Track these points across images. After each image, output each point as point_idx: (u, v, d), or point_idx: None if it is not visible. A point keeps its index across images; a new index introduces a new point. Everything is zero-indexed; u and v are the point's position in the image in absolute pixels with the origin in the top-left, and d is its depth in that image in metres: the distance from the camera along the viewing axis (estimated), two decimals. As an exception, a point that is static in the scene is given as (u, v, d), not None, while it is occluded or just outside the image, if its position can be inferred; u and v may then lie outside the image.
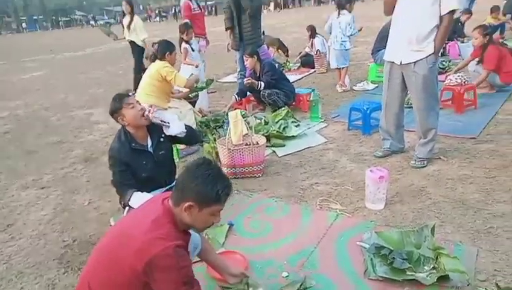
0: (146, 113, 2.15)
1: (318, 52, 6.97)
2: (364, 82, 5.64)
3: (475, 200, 2.42)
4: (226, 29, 5.09)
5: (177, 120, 2.31)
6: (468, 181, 2.67)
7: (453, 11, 2.62)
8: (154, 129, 2.26)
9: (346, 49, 5.36)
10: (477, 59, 4.55)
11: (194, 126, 3.54)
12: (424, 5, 2.61)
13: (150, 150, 2.22)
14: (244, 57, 4.56)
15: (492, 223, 2.16)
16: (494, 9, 8.30)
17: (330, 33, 5.39)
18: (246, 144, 2.97)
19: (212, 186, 1.37)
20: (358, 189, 2.66)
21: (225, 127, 3.69)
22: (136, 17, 5.93)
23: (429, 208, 2.39)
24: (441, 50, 6.80)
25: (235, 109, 4.38)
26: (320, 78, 6.50)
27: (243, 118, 3.61)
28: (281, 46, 8.53)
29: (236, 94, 4.59)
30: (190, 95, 3.98)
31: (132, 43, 6.03)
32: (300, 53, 7.83)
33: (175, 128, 2.25)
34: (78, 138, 4.62)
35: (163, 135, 2.27)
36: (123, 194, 2.10)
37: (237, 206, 2.55)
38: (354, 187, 2.73)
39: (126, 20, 5.95)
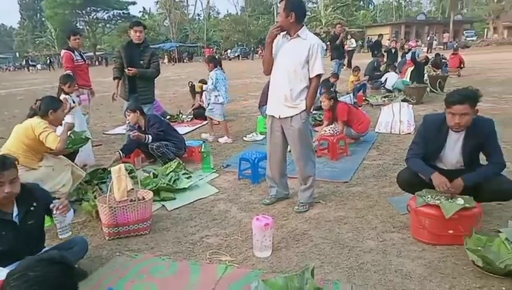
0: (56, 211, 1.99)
1: (210, 105, 7.21)
2: (253, 133, 5.97)
3: (349, 239, 2.66)
4: (114, 79, 4.95)
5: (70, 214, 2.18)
6: (343, 222, 2.94)
7: (319, 75, 3.01)
8: (24, 195, 1.98)
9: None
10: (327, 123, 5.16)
11: (70, 184, 3.24)
12: (296, 68, 2.95)
13: (16, 219, 1.93)
14: (126, 112, 4.45)
15: (363, 259, 2.40)
16: (356, 70, 9.87)
17: (214, 89, 5.52)
18: (131, 200, 2.81)
19: None
20: (247, 238, 2.71)
21: (108, 183, 3.45)
22: None
23: (311, 250, 2.54)
24: (319, 105, 7.71)
25: (123, 162, 4.18)
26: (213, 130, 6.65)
27: (130, 172, 3.46)
28: None
29: (121, 150, 4.37)
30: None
31: None
32: (193, 105, 7.99)
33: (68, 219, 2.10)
34: None
35: (34, 204, 2.00)
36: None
37: (119, 270, 2.33)
38: (243, 236, 2.77)
39: None
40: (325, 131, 4.87)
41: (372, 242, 2.61)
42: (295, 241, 2.67)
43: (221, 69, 5.62)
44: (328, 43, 11.86)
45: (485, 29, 45.70)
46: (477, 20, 50.08)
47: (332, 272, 2.28)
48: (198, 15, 64.45)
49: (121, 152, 4.31)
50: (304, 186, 3.23)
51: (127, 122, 5.09)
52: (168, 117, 7.24)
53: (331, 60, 10.29)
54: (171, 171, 3.94)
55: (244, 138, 5.81)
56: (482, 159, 2.75)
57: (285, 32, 2.99)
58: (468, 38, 41.47)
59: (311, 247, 2.58)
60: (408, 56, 10.20)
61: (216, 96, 5.48)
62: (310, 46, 2.91)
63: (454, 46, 19.70)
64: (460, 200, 2.46)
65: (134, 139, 4.34)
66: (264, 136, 5.76)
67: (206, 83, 5.70)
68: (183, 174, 4.01)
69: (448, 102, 2.59)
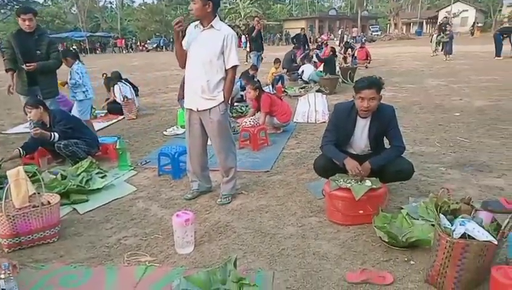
0: None
1: (126, 99, 6.82)
2: (174, 127, 5.80)
3: (270, 227, 2.73)
4: (7, 71, 4.37)
5: None
6: (264, 210, 3.00)
7: (235, 66, 2.99)
8: None
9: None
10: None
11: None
12: (211, 59, 2.89)
13: None
14: (26, 109, 3.97)
15: (284, 245, 2.47)
16: (276, 62, 10.15)
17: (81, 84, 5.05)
18: (34, 206, 2.52)
19: None
20: (169, 235, 2.61)
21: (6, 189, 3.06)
22: None
23: (234, 241, 2.55)
24: (240, 97, 7.75)
25: (24, 164, 3.75)
26: (130, 125, 6.31)
27: (33, 175, 3.10)
28: None
29: (22, 147, 3.90)
30: None
31: None
32: (107, 99, 7.47)
33: None
34: None
35: None
36: None
37: (21, 284, 2.07)
38: (164, 234, 2.67)
39: None
40: (246, 123, 4.91)
41: (292, 228, 2.70)
42: (218, 234, 2.65)
43: (81, 62, 5.23)
44: (247, 35, 12.02)
45: (388, 25, 50.41)
46: (380, 16, 55.05)
47: (255, 261, 2.31)
48: (111, 3, 60.42)
49: (21, 149, 3.85)
50: (226, 178, 3.22)
51: (29, 119, 4.57)
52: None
53: (250, 52, 10.42)
54: (82, 172, 3.63)
55: (164, 132, 5.62)
56: (387, 143, 3.01)
57: (197, 23, 2.93)
58: (374, 33, 45.37)
59: (234, 238, 2.59)
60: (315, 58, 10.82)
61: (84, 92, 5.05)
62: (224, 36, 2.87)
63: (363, 40, 21.39)
64: (368, 182, 2.66)
65: (36, 137, 3.89)
66: (185, 129, 5.61)
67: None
68: (97, 173, 3.72)
69: (357, 88, 2.79)
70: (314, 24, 47.43)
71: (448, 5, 44.75)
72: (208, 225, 2.80)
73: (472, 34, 33.88)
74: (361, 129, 2.94)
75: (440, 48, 15.90)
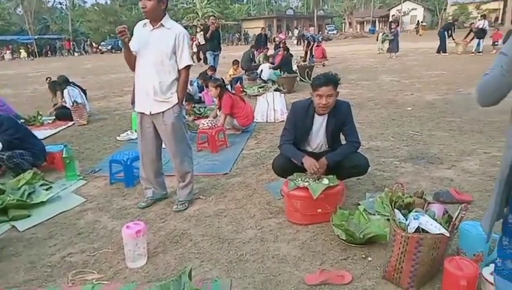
0: None
1: (76, 104, 6.44)
2: (128, 131, 5.54)
3: (228, 232, 2.63)
4: None
5: None
6: (223, 215, 2.90)
7: (188, 66, 2.87)
8: None
9: None
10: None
11: None
12: (163, 59, 2.75)
13: None
14: None
15: (242, 250, 2.38)
16: (235, 63, 10.06)
17: None
18: (-38, 227, 2.26)
19: None
20: (120, 249, 2.43)
21: None
22: None
23: (190, 250, 2.43)
24: (198, 98, 7.58)
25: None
26: (80, 131, 5.96)
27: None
28: None
29: None
30: None
31: None
32: (55, 105, 7.02)
33: None
34: None
35: None
36: None
37: None
38: (114, 248, 2.49)
39: None
40: (204, 124, 4.78)
41: (251, 231, 2.62)
42: (173, 244, 2.51)
43: None
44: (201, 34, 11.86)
45: (343, 24, 51.95)
46: (336, 15, 56.64)
47: (212, 269, 2.20)
48: (60, 3, 57.59)
49: None
50: (182, 184, 3.09)
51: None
52: (21, 121, 6.21)
53: (206, 51, 10.28)
54: (24, 184, 3.34)
55: (118, 138, 5.36)
56: (343, 140, 3.01)
57: (146, 21, 2.78)
58: (330, 32, 46.54)
59: (191, 247, 2.46)
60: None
61: None
62: (175, 35, 2.74)
63: (319, 38, 21.82)
64: (325, 180, 2.64)
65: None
66: (139, 134, 5.38)
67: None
68: (41, 185, 3.45)
69: (315, 85, 2.76)
70: (272, 23, 47.87)
71: (399, 4, 46.86)
72: (162, 234, 2.66)
73: (417, 32, 35.58)
74: (319, 126, 2.93)
75: (386, 46, 16.46)
